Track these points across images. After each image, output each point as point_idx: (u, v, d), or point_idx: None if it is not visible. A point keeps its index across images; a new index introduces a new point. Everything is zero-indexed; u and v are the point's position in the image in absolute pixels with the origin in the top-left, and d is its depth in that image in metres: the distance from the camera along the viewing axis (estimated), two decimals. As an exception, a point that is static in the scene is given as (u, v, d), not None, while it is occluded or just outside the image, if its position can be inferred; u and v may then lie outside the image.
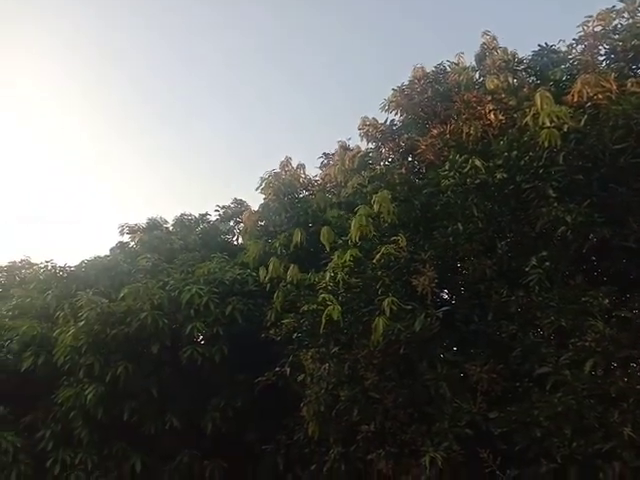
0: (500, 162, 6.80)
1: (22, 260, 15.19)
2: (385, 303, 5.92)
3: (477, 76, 10.75)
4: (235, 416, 9.21)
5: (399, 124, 11.07)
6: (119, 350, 8.93)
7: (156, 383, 9.01)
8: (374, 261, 6.62)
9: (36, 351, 9.19)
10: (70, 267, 10.73)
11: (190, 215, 13.97)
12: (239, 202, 13.89)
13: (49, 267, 10.74)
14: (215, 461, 9.02)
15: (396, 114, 11.12)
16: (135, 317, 8.74)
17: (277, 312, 9.03)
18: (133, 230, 13.31)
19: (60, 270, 10.62)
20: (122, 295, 9.05)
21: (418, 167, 9.03)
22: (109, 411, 8.74)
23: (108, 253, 12.27)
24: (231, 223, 13.92)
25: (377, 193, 7.48)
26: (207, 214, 13.96)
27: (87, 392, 8.55)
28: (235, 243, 13.59)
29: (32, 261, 14.68)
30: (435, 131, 8.43)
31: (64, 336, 8.81)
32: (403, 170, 8.77)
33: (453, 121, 8.63)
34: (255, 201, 15.62)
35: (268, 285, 9.37)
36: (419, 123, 10.63)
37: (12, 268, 15.29)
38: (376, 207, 7.11)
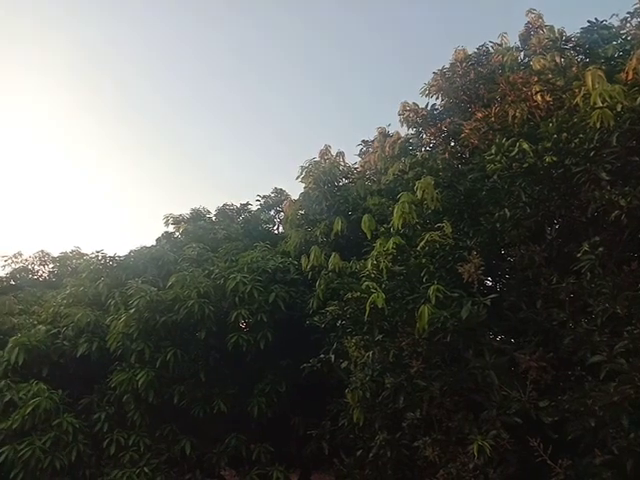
0: (549, 145, 6.56)
1: (73, 250, 15.89)
2: (430, 291, 5.85)
3: (522, 57, 10.40)
4: (280, 401, 9.42)
5: (440, 108, 10.86)
6: (168, 336, 9.25)
7: (204, 368, 9.30)
8: (418, 249, 6.56)
9: (90, 338, 9.62)
10: (119, 257, 11.13)
11: (232, 205, 14.28)
12: (279, 191, 14.07)
13: (99, 257, 11.15)
14: (262, 445, 9.25)
15: (437, 98, 10.92)
16: (182, 305, 9.00)
17: (319, 300, 9.12)
18: (177, 221, 13.69)
19: (110, 260, 11.03)
20: (170, 283, 9.34)
21: (461, 152, 8.82)
22: (160, 395, 9.08)
23: (154, 243, 12.66)
24: (272, 212, 14.13)
25: (419, 179, 7.36)
26: (248, 204, 14.24)
27: (139, 377, 8.89)
28: (276, 232, 13.79)
29: (82, 251, 15.36)
30: (479, 114, 8.22)
31: (116, 323, 9.17)
32: (446, 155, 8.60)
33: (497, 104, 8.38)
34: (295, 190, 15.77)
35: (310, 273, 9.46)
36: (461, 107, 10.39)
37: (64, 258, 16.03)
38: (419, 194, 7.01)
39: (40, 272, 16.05)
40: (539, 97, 7.82)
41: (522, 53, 10.40)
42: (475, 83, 10.21)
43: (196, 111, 34.87)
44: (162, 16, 29.79)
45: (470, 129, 8.10)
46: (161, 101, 33.45)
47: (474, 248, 6.52)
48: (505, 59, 9.99)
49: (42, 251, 16.23)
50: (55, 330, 9.98)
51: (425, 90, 10.86)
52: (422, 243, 6.42)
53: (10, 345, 9.65)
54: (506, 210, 6.56)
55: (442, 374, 6.16)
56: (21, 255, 16.10)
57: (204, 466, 9.37)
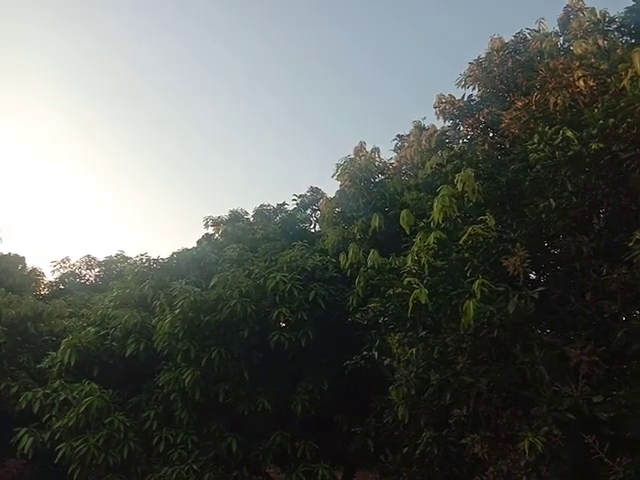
0: (594, 131, 6.33)
1: (117, 254, 16.46)
2: (475, 285, 5.73)
3: (561, 42, 10.10)
4: (322, 398, 9.45)
5: (477, 99, 10.67)
6: (212, 336, 9.42)
7: (247, 366, 9.43)
8: (460, 243, 6.44)
9: (137, 338, 9.91)
10: (163, 259, 11.41)
11: (269, 206, 14.40)
12: (315, 190, 14.09)
13: (144, 260, 11.47)
14: (306, 442, 9.31)
15: (473, 89, 10.73)
16: (225, 304, 9.15)
17: (358, 297, 9.12)
18: (216, 222, 13.93)
19: (154, 262, 11.33)
20: (212, 284, 9.51)
21: (501, 143, 8.62)
22: (205, 393, 9.27)
23: (195, 245, 12.92)
24: (308, 211, 14.17)
25: (459, 172, 7.22)
26: (285, 204, 14.33)
27: (185, 375, 9.10)
28: (312, 231, 13.84)
29: (126, 255, 15.87)
30: (519, 103, 7.99)
31: (162, 323, 9.41)
32: (485, 146, 8.43)
33: (537, 92, 8.14)
34: (331, 189, 15.80)
35: (348, 271, 9.45)
36: (499, 96, 10.17)
37: (109, 262, 16.61)
38: (459, 186, 6.87)
39: (87, 276, 16.70)
40: (582, 82, 7.54)
41: (561, 38, 10.08)
42: (513, 71, 9.98)
43: (236, 112, 35.46)
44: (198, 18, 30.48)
45: (510, 119, 7.89)
46: (204, 105, 34.25)
47: (518, 240, 6.37)
48: (544, 45, 9.71)
49: (88, 255, 16.88)
50: (104, 332, 10.33)
51: (461, 81, 10.68)
52: (464, 237, 6.30)
53: (63, 347, 10.06)
54: (551, 200, 6.36)
55: (489, 370, 6.04)
56: (69, 260, 16.80)
57: (250, 463, 9.50)
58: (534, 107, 7.78)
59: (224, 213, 14.33)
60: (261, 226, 13.24)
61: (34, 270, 16.06)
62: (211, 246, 12.19)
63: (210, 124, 34.53)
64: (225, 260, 10.90)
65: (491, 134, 9.49)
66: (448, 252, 6.63)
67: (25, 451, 9.29)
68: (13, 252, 15.56)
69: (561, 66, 7.92)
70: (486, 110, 10.00)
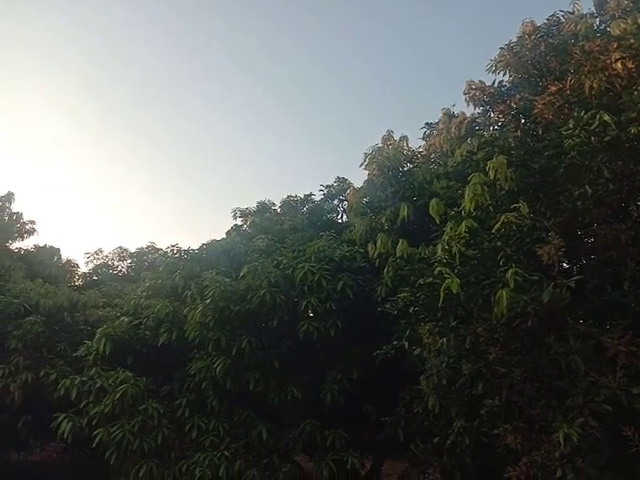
0: (633, 115, 6.13)
1: (148, 246, 16.82)
2: (508, 274, 5.64)
3: (597, 23, 9.70)
4: (352, 388, 9.48)
5: (508, 85, 10.37)
6: (242, 325, 9.54)
7: (277, 355, 9.52)
8: (493, 231, 6.33)
9: (170, 327, 10.10)
10: (193, 250, 11.59)
11: (296, 196, 14.44)
12: (342, 180, 14.05)
13: (174, 251, 11.66)
14: (335, 431, 9.37)
15: (504, 75, 10.42)
16: (255, 294, 9.24)
17: (387, 287, 9.05)
18: (245, 214, 14.05)
19: (184, 253, 11.51)
20: (242, 274, 9.60)
21: (534, 129, 8.40)
22: (236, 382, 9.40)
23: (224, 236, 13.07)
24: (335, 202, 14.14)
25: (490, 159, 7.10)
26: (311, 194, 14.34)
27: (216, 364, 9.24)
28: (340, 221, 13.82)
29: (157, 246, 16.18)
30: (553, 88, 7.77)
31: (193, 313, 9.57)
32: (518, 133, 8.23)
33: (572, 76, 7.90)
34: (358, 179, 15.71)
35: (376, 261, 9.41)
36: (531, 82, 9.87)
37: (140, 254, 16.98)
38: (491, 174, 6.76)
39: (119, 267, 17.12)
40: (619, 65, 7.28)
41: (598, 19, 9.69)
42: (546, 56, 9.67)
43: (262, 103, 35.63)
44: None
45: (543, 104, 7.69)
46: (236, 100, 34.56)
47: (552, 229, 6.23)
48: (579, 27, 9.36)
49: (120, 247, 17.30)
50: (137, 321, 10.58)
51: (491, 67, 10.40)
52: (497, 225, 6.19)
53: (98, 336, 10.35)
54: (587, 187, 6.20)
55: (522, 360, 5.96)
56: (102, 251, 17.23)
57: (280, 451, 9.62)
58: (568, 92, 7.56)
59: (252, 204, 14.47)
60: (288, 217, 13.29)
61: (69, 261, 16.55)
62: (240, 237, 12.30)
63: (239, 116, 34.83)
64: (254, 251, 10.99)
65: (523, 120, 9.25)
66: (480, 241, 6.53)
67: (65, 436, 9.63)
68: (48, 244, 16.05)
69: (597, 48, 7.67)
70: (518, 96, 9.75)
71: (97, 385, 9.70)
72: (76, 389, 9.83)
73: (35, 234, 15.60)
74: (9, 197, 14.75)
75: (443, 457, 6.70)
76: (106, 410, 9.32)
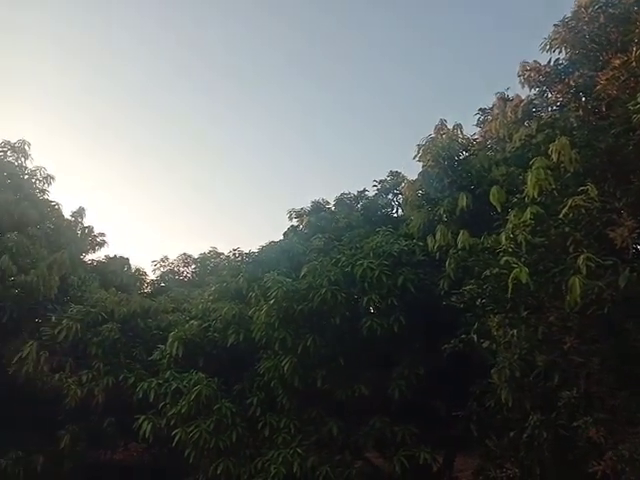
0: None
1: (210, 251, 17.38)
2: (580, 260, 5.42)
3: (664, -14, 9.09)
4: (419, 383, 9.40)
5: (565, 62, 9.88)
6: (305, 324, 9.69)
7: (341, 353, 9.59)
8: (560, 217, 6.10)
9: (237, 329, 10.42)
10: (254, 253, 11.89)
11: (349, 194, 14.46)
12: (395, 174, 13.93)
13: (236, 255, 12.02)
14: (405, 427, 9.33)
15: (560, 52, 9.95)
16: (316, 293, 9.36)
17: (450, 279, 8.91)
18: (300, 214, 14.23)
19: (246, 256, 11.83)
20: (302, 274, 9.76)
21: (597, 107, 8.00)
22: (304, 380, 9.55)
23: (282, 237, 13.31)
24: (389, 196, 14.03)
25: (552, 142, 6.84)
26: (365, 190, 14.31)
27: (283, 363, 9.45)
28: (395, 215, 13.72)
29: (218, 251, 16.71)
30: (616, 61, 7.38)
31: (258, 314, 9.82)
32: (580, 112, 7.87)
33: (636, 46, 7.46)
34: (412, 171, 15.50)
35: (437, 254, 9.27)
36: (590, 57, 9.36)
37: (203, 259, 17.58)
38: (554, 157, 6.51)
39: (184, 273, 17.82)
40: (691, 30, 6.83)
41: (662, -18, 9.07)
42: (606, 27, 9.14)
43: (313, 100, 35.93)
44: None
45: (606, 79, 7.32)
46: (290, 100, 35.13)
47: (624, 210, 5.93)
48: (642, -7, 8.80)
49: (184, 254, 17.99)
50: (206, 324, 10.98)
51: (546, 45, 9.94)
52: (565, 210, 5.96)
53: (170, 340, 10.84)
54: (661, 164, 5.86)
55: (600, 349, 5.72)
56: (167, 259, 18.00)
57: (351, 447, 9.69)
58: (634, 64, 7.16)
59: (306, 205, 14.62)
60: (343, 215, 13.34)
61: (138, 270, 17.39)
62: (297, 237, 12.49)
63: (290, 115, 35.29)
64: (312, 250, 11.13)
65: (584, 99, 8.82)
66: (546, 227, 6.31)
67: (146, 436, 10.15)
68: (118, 254, 16.93)
69: (664, 14, 7.21)
70: (577, 73, 9.28)
71: (173, 387, 10.16)
72: (153, 391, 10.34)
73: (105, 246, 16.52)
74: (80, 212, 15.65)
75: (520, 451, 6.54)
76: (182, 411, 9.74)
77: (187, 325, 11.15)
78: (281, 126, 36.14)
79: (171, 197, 37.71)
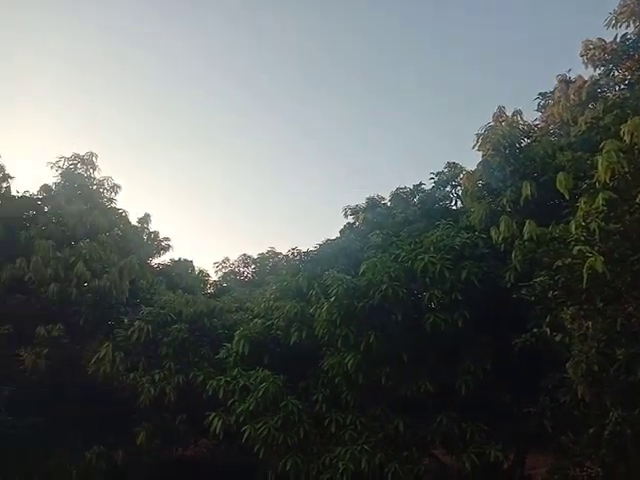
0: None
1: (268, 251, 17.72)
2: (661, 247, 5.11)
3: None
4: (486, 378, 9.17)
5: (634, 37, 9.36)
6: (367, 320, 9.67)
7: (404, 349, 9.50)
8: (636, 201, 5.76)
9: (299, 327, 10.54)
10: (312, 251, 12.00)
11: (405, 188, 14.28)
12: (452, 165, 13.61)
13: (295, 254, 12.17)
14: (474, 423, 9.12)
15: (627, 27, 9.43)
16: (377, 289, 9.31)
17: (516, 272, 8.61)
18: (355, 211, 14.23)
19: (304, 255, 11.97)
20: (362, 270, 9.74)
21: (672, 81, 7.52)
22: (368, 376, 9.55)
23: (338, 235, 13.35)
24: (447, 188, 13.72)
25: (623, 123, 6.47)
26: (421, 184, 14.08)
27: (347, 360, 9.47)
28: (454, 208, 13.40)
29: (276, 251, 17.01)
30: (693, 32, 6.88)
31: (320, 312, 9.90)
32: (654, 89, 7.40)
33: None
34: (469, 162, 15.08)
35: (501, 245, 8.99)
36: (662, 28, 8.83)
37: (262, 259, 17.94)
38: (627, 138, 6.16)
39: (245, 273, 18.27)
40: None
41: None
42: (679, -4, 8.58)
43: (374, 98, 35.89)
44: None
45: (683, 52, 6.83)
46: (336, 99, 35.35)
47: None
48: None
49: (244, 254, 18.45)
50: (269, 322, 11.20)
51: (611, 20, 9.46)
52: (641, 194, 5.63)
53: (236, 338, 11.15)
54: None
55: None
56: (228, 260, 18.52)
57: (418, 444, 9.59)
58: None
59: (361, 201, 14.57)
60: (400, 209, 13.19)
61: (201, 272, 18.00)
62: (354, 234, 12.49)
63: (342, 114, 35.39)
64: (370, 247, 11.07)
65: (657, 73, 8.31)
66: (621, 213, 5.99)
67: (217, 432, 10.49)
68: (182, 257, 17.59)
69: None
70: (648, 47, 8.77)
71: (240, 384, 10.44)
72: (222, 389, 10.66)
73: (170, 250, 17.22)
74: (146, 218, 16.41)
75: (601, 449, 6.23)
76: (251, 408, 9.99)
77: (251, 324, 11.41)
78: (334, 129, 36.32)
79: (229, 202, 38.73)
